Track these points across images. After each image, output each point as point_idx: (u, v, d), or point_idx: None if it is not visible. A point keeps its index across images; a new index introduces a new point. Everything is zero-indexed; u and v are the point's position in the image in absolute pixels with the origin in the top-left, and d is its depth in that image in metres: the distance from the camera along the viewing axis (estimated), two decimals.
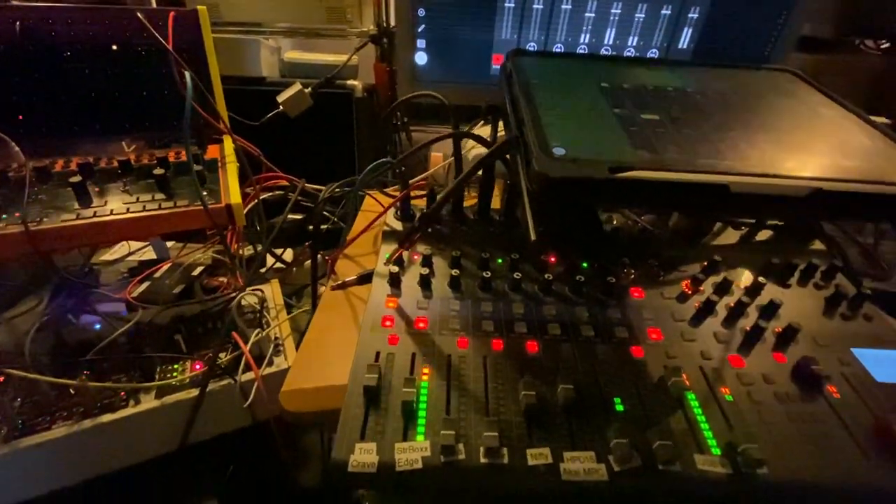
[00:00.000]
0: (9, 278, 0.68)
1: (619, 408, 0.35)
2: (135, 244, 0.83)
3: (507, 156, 0.44)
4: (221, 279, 0.74)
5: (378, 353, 0.38)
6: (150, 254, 0.82)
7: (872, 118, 0.37)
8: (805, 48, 0.98)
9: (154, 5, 0.94)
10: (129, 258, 0.83)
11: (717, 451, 0.32)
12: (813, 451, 0.33)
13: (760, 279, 0.45)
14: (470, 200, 0.56)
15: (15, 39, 0.56)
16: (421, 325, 0.40)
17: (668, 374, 0.36)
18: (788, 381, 0.38)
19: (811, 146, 0.34)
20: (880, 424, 0.34)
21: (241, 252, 0.75)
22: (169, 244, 0.81)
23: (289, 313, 0.65)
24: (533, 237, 0.33)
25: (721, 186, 0.27)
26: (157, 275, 0.74)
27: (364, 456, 0.30)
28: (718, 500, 0.32)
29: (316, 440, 0.67)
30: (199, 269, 0.77)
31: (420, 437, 0.32)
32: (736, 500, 0.32)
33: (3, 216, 0.49)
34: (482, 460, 0.31)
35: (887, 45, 1.09)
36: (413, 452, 0.31)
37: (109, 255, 0.83)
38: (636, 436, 0.32)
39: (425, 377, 0.36)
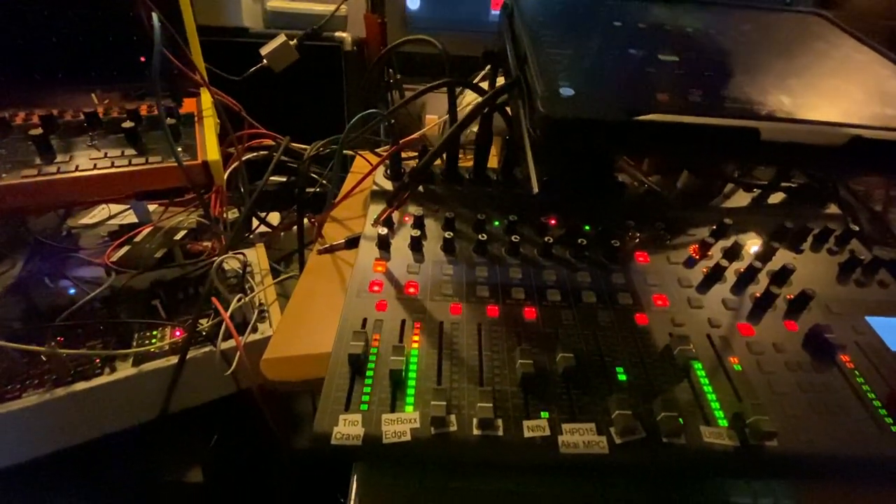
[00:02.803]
0: None
1: (622, 377, 0.32)
2: (116, 207, 0.80)
3: (507, 107, 0.40)
4: (206, 244, 0.71)
5: (365, 320, 0.35)
6: (131, 217, 0.79)
7: None
8: None
9: None
10: (110, 222, 0.79)
11: (724, 423, 0.30)
12: (825, 422, 0.31)
13: (772, 244, 0.43)
14: (466, 162, 0.52)
15: None
16: (411, 290, 0.38)
17: (673, 342, 0.34)
18: (800, 349, 0.36)
19: (847, 92, 0.30)
20: (892, 392, 0.33)
21: (225, 215, 0.71)
22: (151, 207, 0.77)
23: (275, 279, 0.62)
24: (536, 190, 0.29)
25: (751, 131, 0.24)
26: (137, 238, 0.70)
27: (349, 428, 0.28)
28: (726, 473, 0.30)
29: (307, 402, 0.65)
30: (182, 233, 0.74)
31: (409, 408, 0.30)
32: (744, 474, 0.30)
33: None
34: (475, 432, 0.29)
35: None
36: (401, 424, 0.29)
37: (89, 218, 0.79)
38: (639, 407, 0.30)
39: (415, 345, 0.33)
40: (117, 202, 0.73)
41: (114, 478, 0.46)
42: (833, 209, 0.49)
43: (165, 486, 0.46)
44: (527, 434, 0.29)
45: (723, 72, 0.30)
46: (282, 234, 0.81)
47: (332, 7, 0.88)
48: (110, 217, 0.79)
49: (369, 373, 0.31)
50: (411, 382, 0.31)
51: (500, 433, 0.29)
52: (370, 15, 0.91)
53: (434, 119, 0.78)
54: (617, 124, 0.23)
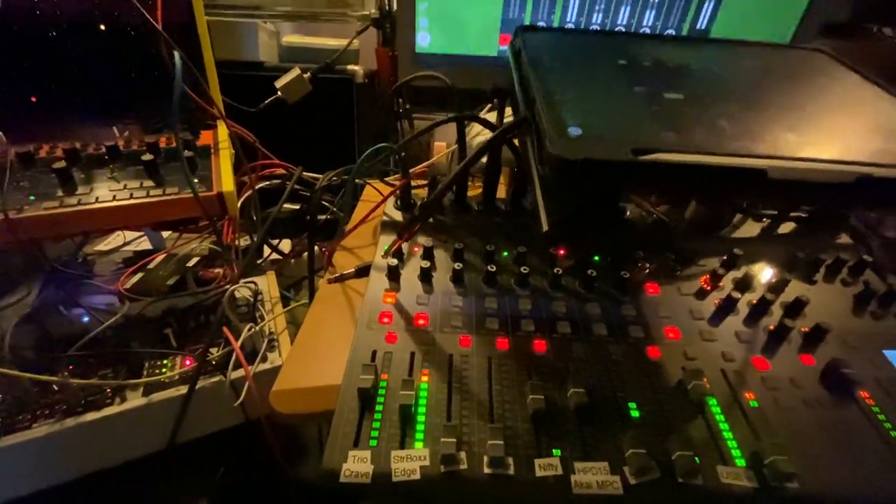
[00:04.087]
0: None
1: (635, 414, 0.32)
2: (130, 234, 0.81)
3: (516, 140, 0.41)
4: (217, 271, 0.72)
5: (374, 353, 0.35)
6: (145, 244, 0.80)
7: None
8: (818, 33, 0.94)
9: None
10: (124, 248, 0.81)
11: (742, 463, 0.30)
12: (846, 462, 0.30)
13: (784, 274, 0.42)
14: (474, 190, 0.53)
15: None
16: (421, 321, 0.38)
17: (687, 377, 0.34)
18: (818, 385, 0.35)
19: (852, 129, 0.31)
20: None
21: (237, 242, 0.73)
22: (165, 234, 0.79)
23: (285, 307, 0.62)
24: (545, 228, 0.30)
25: (758, 171, 0.24)
26: (151, 265, 0.72)
27: (357, 465, 0.28)
28: None
29: (313, 430, 0.64)
30: (195, 259, 0.75)
31: (419, 445, 0.29)
32: None
33: None
34: (486, 470, 0.28)
35: None
36: (411, 461, 0.28)
37: (104, 245, 0.81)
38: (654, 445, 0.30)
39: (425, 379, 0.33)
40: (132, 229, 0.74)
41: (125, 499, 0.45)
42: (845, 238, 0.49)
43: None
44: (538, 473, 0.28)
45: (727, 109, 0.30)
46: (292, 260, 0.82)
47: (344, 41, 0.91)
48: (125, 244, 0.81)
49: (378, 407, 0.31)
50: (421, 418, 0.31)
51: (512, 472, 0.28)
52: (381, 49, 0.94)
53: (442, 147, 0.80)
54: (624, 164, 0.24)
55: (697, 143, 0.26)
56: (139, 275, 0.69)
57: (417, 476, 0.28)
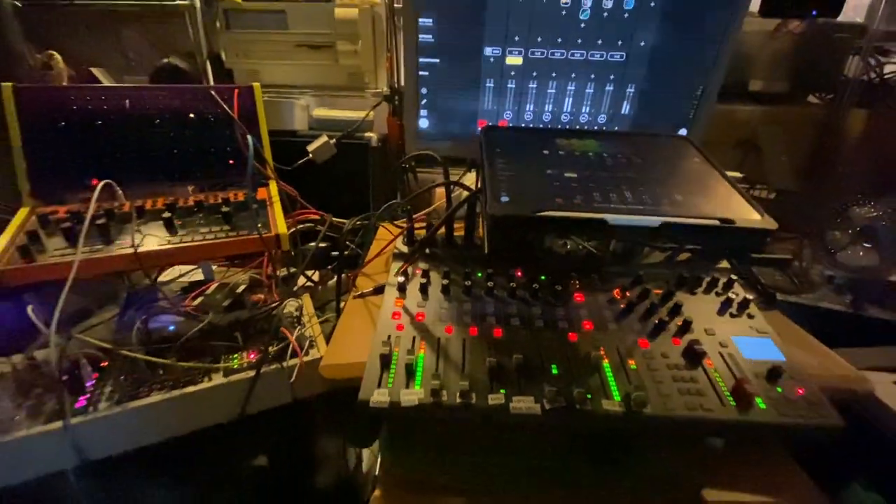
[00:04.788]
0: (85, 295, 0.86)
1: (555, 371, 0.50)
2: (185, 267, 1.01)
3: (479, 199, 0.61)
4: (260, 295, 0.92)
5: (389, 336, 0.54)
6: (197, 275, 1.00)
7: (728, 173, 0.53)
8: (760, 101, 1.18)
9: (211, 81, 1.16)
10: (181, 279, 1.01)
11: (617, 398, 0.48)
12: (686, 399, 0.48)
13: (672, 288, 0.61)
14: (459, 231, 0.73)
15: (124, 111, 0.76)
16: (420, 317, 0.57)
17: (592, 350, 0.52)
18: (679, 356, 0.53)
19: (676, 192, 0.50)
20: (737, 383, 0.50)
21: (277, 272, 0.93)
22: (214, 267, 0.99)
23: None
24: (486, 251, 0.49)
25: (601, 220, 0.44)
26: (208, 292, 0.92)
27: (380, 397, 0.46)
28: (617, 430, 0.47)
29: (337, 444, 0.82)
30: (242, 286, 0.95)
31: (417, 387, 0.48)
32: (628, 430, 0.47)
33: (116, 241, 0.67)
34: (458, 400, 0.46)
35: (829, 97, 1.29)
36: (412, 395, 0.47)
37: (164, 276, 1.01)
38: (563, 388, 0.48)
39: (422, 351, 0.52)
40: (213, 262, 0.95)
41: (205, 461, 0.62)
42: (724, 263, 0.68)
43: (242, 467, 0.62)
44: (490, 402, 0.47)
45: (600, 183, 0.50)
46: (319, 287, 1.01)
47: (362, 114, 1.15)
48: (181, 275, 1.01)
49: (392, 366, 0.50)
50: (419, 372, 0.49)
51: (473, 401, 0.46)
52: (391, 118, 1.18)
53: (441, 193, 1.01)
54: (528, 218, 0.43)
55: (573, 204, 0.46)
56: (200, 298, 0.89)
57: (416, 403, 0.46)
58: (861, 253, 0.81)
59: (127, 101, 0.76)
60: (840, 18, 1.24)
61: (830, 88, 1.28)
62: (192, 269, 1.03)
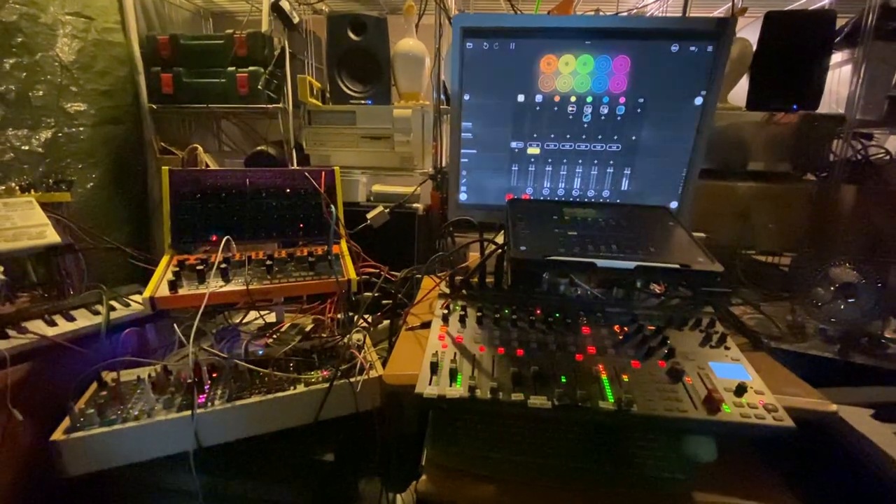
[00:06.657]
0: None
1: (563, 380, 0.66)
2: (258, 312, 1.23)
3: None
4: (323, 334, 1.11)
5: (436, 351, 0.71)
6: (270, 317, 1.22)
7: (694, 234, 0.71)
8: (759, 179, 1.36)
9: (294, 164, 1.47)
10: (257, 321, 1.23)
11: (611, 399, 0.62)
12: (666, 402, 0.62)
13: (661, 325, 0.77)
14: (490, 279, 0.92)
15: (244, 187, 1.02)
16: (459, 339, 0.74)
17: (593, 367, 0.67)
18: (663, 375, 0.67)
19: (650, 245, 0.68)
20: (709, 392, 0.63)
21: (338, 315, 1.13)
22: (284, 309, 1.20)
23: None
24: (509, 284, 0.67)
25: (591, 263, 0.61)
26: (282, 329, 1.12)
27: (431, 391, 0.63)
28: (610, 423, 0.61)
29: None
30: (309, 326, 1.15)
31: (458, 386, 0.64)
32: (619, 424, 0.61)
33: (232, 280, 0.89)
34: (488, 396, 0.62)
35: (824, 175, 1.46)
36: (455, 391, 0.63)
37: (243, 318, 1.23)
38: (570, 392, 0.63)
39: (461, 362, 0.69)
40: (264, 309, 1.17)
41: (284, 454, 0.79)
42: (709, 308, 0.83)
43: (312, 462, 0.78)
44: (512, 398, 0.62)
45: (594, 238, 0.69)
46: (371, 329, 1.20)
47: (411, 189, 1.40)
48: (257, 318, 1.23)
49: (439, 371, 0.67)
50: (459, 375, 0.66)
51: (500, 397, 0.62)
52: (434, 192, 1.43)
53: (476, 256, 1.21)
54: (540, 261, 0.62)
55: (572, 252, 0.64)
56: (277, 334, 1.09)
57: (457, 396, 0.62)
58: (842, 307, 0.94)
59: (247, 180, 1.03)
60: (823, 109, 1.44)
61: (822, 168, 1.45)
62: (266, 313, 1.25)
